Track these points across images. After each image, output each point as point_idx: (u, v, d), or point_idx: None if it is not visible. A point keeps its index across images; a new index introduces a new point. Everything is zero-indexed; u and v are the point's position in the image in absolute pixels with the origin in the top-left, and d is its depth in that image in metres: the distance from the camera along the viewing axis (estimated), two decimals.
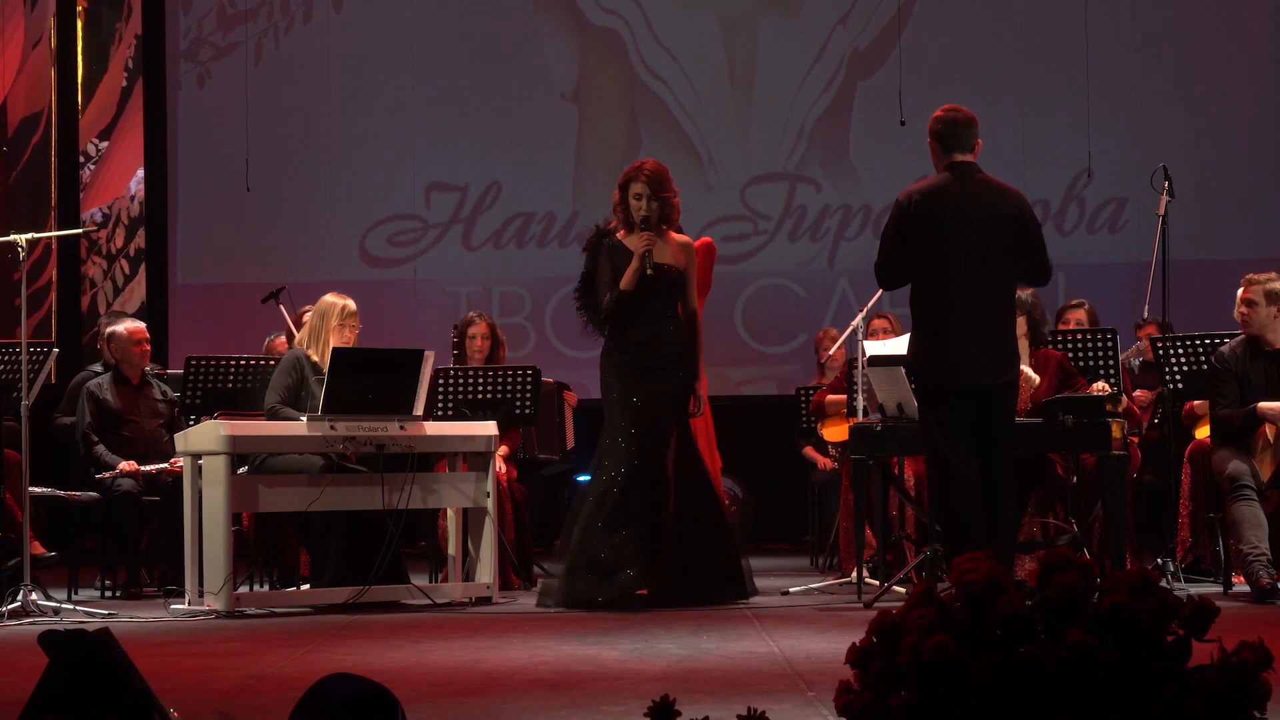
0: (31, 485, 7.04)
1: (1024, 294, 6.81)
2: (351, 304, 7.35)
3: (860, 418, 7.09)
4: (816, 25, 11.30)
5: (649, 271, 6.71)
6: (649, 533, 6.66)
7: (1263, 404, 6.80)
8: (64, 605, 6.83)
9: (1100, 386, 6.99)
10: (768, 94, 11.30)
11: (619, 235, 6.88)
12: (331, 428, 6.78)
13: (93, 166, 11.39)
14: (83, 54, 11.43)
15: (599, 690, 4.33)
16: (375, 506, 6.89)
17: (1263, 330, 6.94)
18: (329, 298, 7.39)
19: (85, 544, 8.37)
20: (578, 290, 6.95)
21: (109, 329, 8.39)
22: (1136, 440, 7.73)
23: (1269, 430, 6.78)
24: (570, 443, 8.97)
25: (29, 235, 7.00)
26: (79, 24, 11.43)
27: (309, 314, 7.57)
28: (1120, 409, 6.93)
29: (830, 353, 8.74)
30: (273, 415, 7.10)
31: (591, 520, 6.72)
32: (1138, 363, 8.32)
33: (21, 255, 6.82)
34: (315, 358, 7.24)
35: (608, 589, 6.63)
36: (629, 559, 6.64)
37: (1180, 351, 7.36)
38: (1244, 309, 6.97)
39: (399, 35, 11.43)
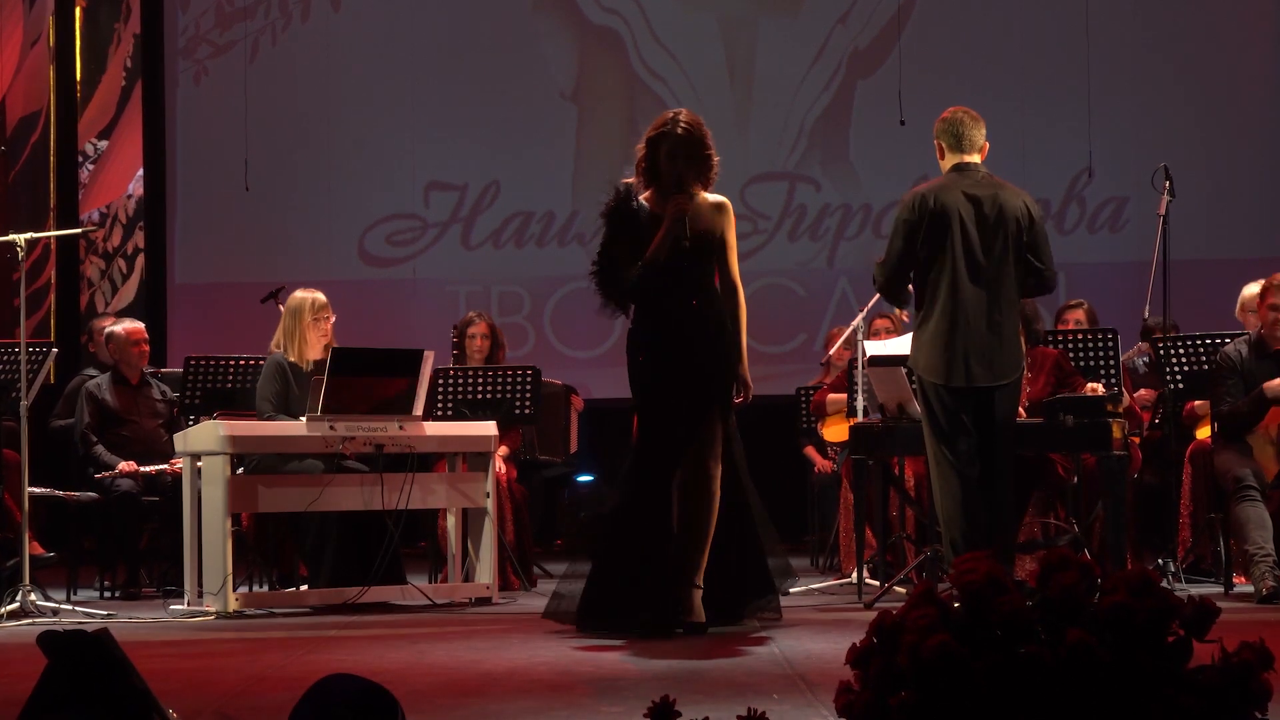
0: (31, 485, 7.04)
1: None
2: (320, 296, 7.35)
3: (860, 418, 7.09)
4: (816, 25, 11.30)
5: (686, 242, 5.75)
6: (653, 556, 5.75)
7: (1270, 383, 6.80)
8: (63, 606, 6.82)
9: (1092, 387, 6.96)
10: (767, 93, 11.29)
11: (644, 198, 5.87)
12: (331, 428, 6.78)
13: (91, 166, 11.38)
14: (81, 53, 11.42)
15: (599, 690, 4.33)
16: (375, 507, 6.89)
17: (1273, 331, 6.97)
18: (297, 294, 7.39)
19: (84, 544, 8.36)
20: (594, 263, 5.90)
21: (108, 329, 8.38)
22: (1137, 440, 7.72)
23: (1272, 426, 6.79)
24: (574, 446, 8.94)
25: (28, 235, 6.99)
26: (77, 23, 11.43)
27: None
28: (1121, 409, 6.92)
29: (832, 351, 8.72)
30: None
31: (615, 530, 5.96)
32: (1143, 362, 8.31)
33: (20, 255, 6.82)
34: (293, 358, 7.24)
35: (627, 610, 5.76)
36: (647, 580, 5.76)
37: (1181, 351, 7.37)
38: (1270, 313, 6.97)
39: (398, 34, 11.42)
